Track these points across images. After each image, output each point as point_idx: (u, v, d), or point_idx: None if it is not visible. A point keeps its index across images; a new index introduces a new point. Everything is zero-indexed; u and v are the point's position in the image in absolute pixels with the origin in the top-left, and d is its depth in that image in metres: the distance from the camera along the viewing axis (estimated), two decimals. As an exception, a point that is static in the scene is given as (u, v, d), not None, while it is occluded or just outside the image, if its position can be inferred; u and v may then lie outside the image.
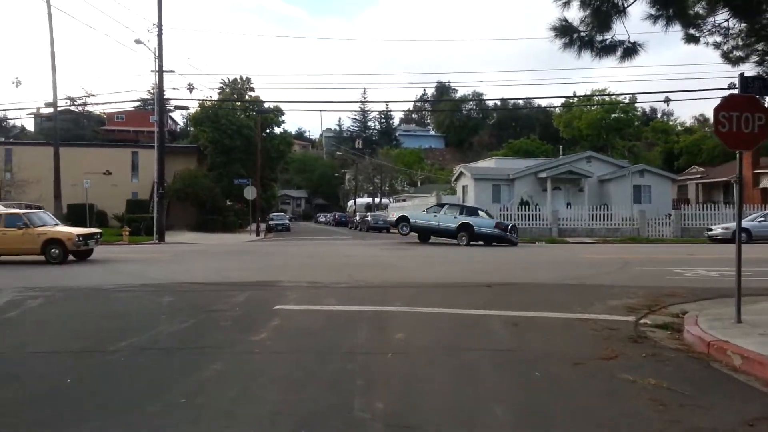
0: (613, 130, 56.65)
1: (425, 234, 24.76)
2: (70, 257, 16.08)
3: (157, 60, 27.55)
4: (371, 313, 7.86)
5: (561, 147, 50.17)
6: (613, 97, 50.81)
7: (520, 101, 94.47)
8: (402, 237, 26.40)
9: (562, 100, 58.48)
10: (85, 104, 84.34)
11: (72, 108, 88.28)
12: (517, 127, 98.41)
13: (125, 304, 9.21)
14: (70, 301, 9.61)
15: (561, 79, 58.54)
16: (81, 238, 16.11)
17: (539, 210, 31.03)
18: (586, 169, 35.44)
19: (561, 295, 9.63)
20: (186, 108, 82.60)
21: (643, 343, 6.30)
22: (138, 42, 26.99)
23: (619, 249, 20.77)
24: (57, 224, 17.36)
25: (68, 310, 8.71)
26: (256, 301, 9.11)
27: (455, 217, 23.37)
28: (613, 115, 55.75)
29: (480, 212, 24.48)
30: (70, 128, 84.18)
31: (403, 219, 24.87)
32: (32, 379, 4.98)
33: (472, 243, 22.69)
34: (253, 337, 6.46)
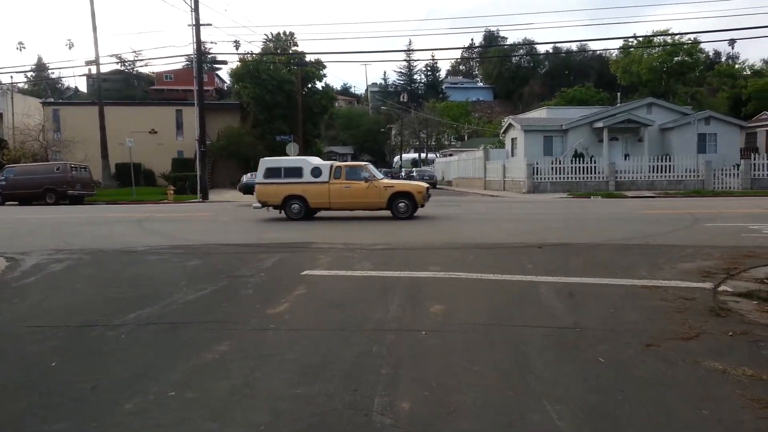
0: (675, 75, 52.90)
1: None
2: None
3: (193, 13, 26.82)
4: (407, 280, 7.04)
5: (618, 94, 47.18)
6: (676, 37, 47.04)
7: (574, 48, 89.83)
8: (447, 193, 25.33)
9: (620, 44, 54.80)
10: (133, 64, 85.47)
11: (121, 68, 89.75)
12: (570, 75, 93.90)
13: (149, 269, 8.72)
14: (95, 265, 9.18)
15: (619, 18, 54.55)
16: (428, 191, 15.24)
17: (595, 162, 29.30)
18: (646, 117, 33.10)
19: (623, 257, 8.57)
20: (224, 63, 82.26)
21: (726, 317, 5.28)
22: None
23: (684, 203, 19.19)
24: (383, 177, 16.46)
25: (89, 275, 8.25)
26: (284, 265, 8.45)
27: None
28: (675, 59, 51.91)
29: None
30: (121, 88, 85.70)
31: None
32: (15, 362, 4.42)
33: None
34: (271, 309, 5.76)
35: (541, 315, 5.43)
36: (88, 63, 30.46)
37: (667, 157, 29.52)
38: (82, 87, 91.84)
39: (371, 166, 15.97)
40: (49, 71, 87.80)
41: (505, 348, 4.48)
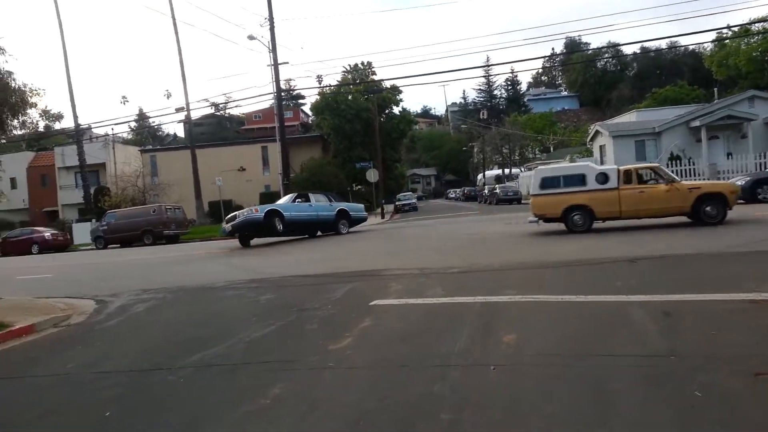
0: (779, 64, 48.59)
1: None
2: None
3: (271, 54, 27.85)
4: (479, 306, 6.56)
5: (715, 90, 43.90)
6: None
7: (663, 46, 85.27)
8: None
9: (713, 35, 51.18)
10: (224, 107, 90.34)
11: (214, 112, 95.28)
12: (661, 75, 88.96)
13: (224, 305, 8.78)
14: (175, 304, 9.39)
15: (710, 8, 50.99)
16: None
17: (693, 164, 27.21)
18: (748, 111, 30.42)
19: (727, 267, 7.63)
20: (302, 97, 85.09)
21: None
22: (251, 38, 27.43)
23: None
24: None
25: (166, 316, 8.40)
26: (354, 295, 8.20)
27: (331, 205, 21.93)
28: (778, 46, 47.71)
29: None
30: (215, 131, 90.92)
31: (273, 214, 19.22)
32: (69, 411, 4.41)
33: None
34: (333, 345, 5.49)
35: (629, 341, 4.80)
36: (178, 110, 32.28)
37: (778, 152, 26.89)
38: (181, 133, 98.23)
39: (663, 168, 14.82)
40: (150, 121, 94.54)
41: (586, 384, 3.93)
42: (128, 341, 6.83)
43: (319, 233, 21.74)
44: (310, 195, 21.49)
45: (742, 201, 18.26)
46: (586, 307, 6.10)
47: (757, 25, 44.74)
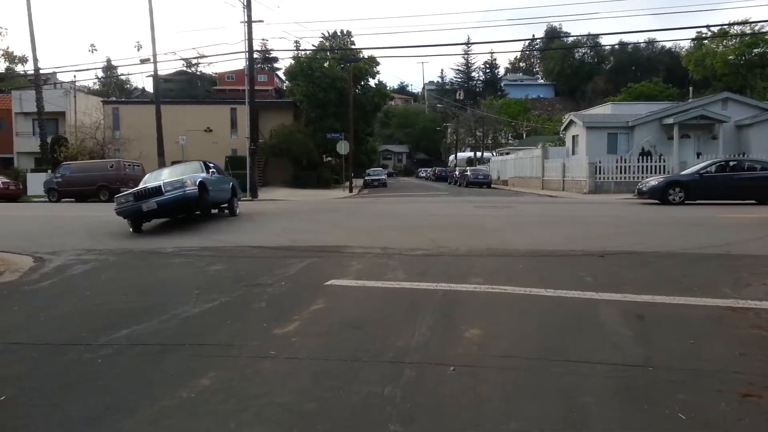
0: (754, 68, 49.15)
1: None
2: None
3: (245, 10, 26.61)
4: (442, 294, 6.09)
5: (690, 89, 44.15)
6: (757, 27, 43.44)
7: (642, 42, 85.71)
8: (501, 193, 24.08)
9: (692, 35, 51.43)
10: (196, 65, 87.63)
11: (186, 69, 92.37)
12: (637, 71, 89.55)
13: (168, 273, 8.13)
14: (116, 268, 8.68)
15: (691, 6, 51.12)
16: None
17: (664, 161, 27.26)
18: (721, 113, 30.61)
19: (701, 269, 7.32)
20: (275, 60, 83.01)
21: (843, 354, 4.09)
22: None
23: (765, 207, 17.23)
24: None
25: (104, 280, 7.73)
26: (310, 272, 7.65)
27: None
28: (755, 50, 48.19)
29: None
30: (185, 89, 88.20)
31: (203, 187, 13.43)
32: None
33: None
34: (279, 329, 4.95)
35: (602, 346, 4.38)
36: (144, 61, 30.77)
37: (744, 155, 27.12)
38: (150, 88, 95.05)
39: None
40: (117, 72, 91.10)
41: (555, 395, 3.48)
42: (54, 307, 6.15)
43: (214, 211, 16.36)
44: (211, 164, 16.22)
45: (655, 202, 18.27)
46: (555, 303, 5.68)
47: (736, 27, 45.07)
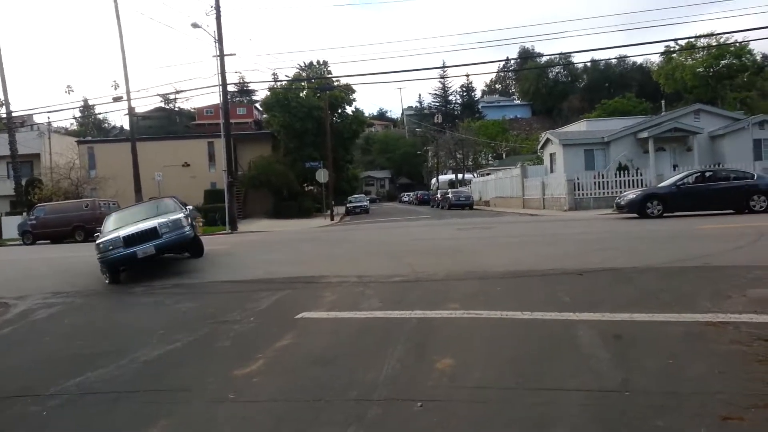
0: (723, 80, 50.19)
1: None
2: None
3: (217, 43, 26.63)
4: (416, 323, 5.87)
5: (663, 103, 44.84)
6: (722, 38, 44.51)
7: (613, 60, 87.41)
8: (482, 214, 24.00)
9: (662, 48, 52.54)
10: (174, 101, 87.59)
11: (164, 106, 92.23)
12: (610, 88, 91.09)
13: (135, 314, 7.86)
14: (82, 310, 8.38)
15: (659, 21, 52.32)
16: None
17: (641, 175, 27.45)
18: (693, 124, 31.03)
19: (680, 283, 7.19)
20: (252, 92, 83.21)
21: (827, 367, 3.93)
22: (195, 26, 26.13)
23: (744, 216, 17.32)
24: None
25: (67, 324, 7.43)
26: (282, 305, 7.41)
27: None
28: (722, 62, 49.26)
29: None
30: (164, 125, 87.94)
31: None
32: None
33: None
34: (241, 369, 4.69)
35: (579, 370, 4.19)
36: (117, 99, 30.57)
37: (720, 165, 27.42)
38: (128, 125, 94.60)
39: None
40: (95, 112, 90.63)
41: (527, 429, 3.27)
42: (9, 355, 5.86)
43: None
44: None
45: (634, 216, 18.24)
46: (532, 327, 5.49)
47: (702, 40, 46.14)
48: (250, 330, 6.13)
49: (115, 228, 11.72)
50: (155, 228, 10.95)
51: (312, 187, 41.75)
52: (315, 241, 18.20)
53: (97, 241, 11.02)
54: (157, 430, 3.55)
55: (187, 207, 13.31)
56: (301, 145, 38.94)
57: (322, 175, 32.06)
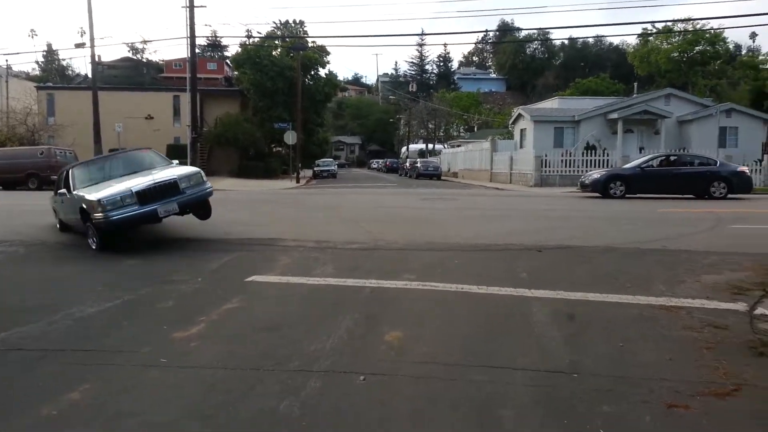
0: (695, 65, 50.74)
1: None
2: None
3: (186, -8, 25.52)
4: (369, 292, 5.70)
5: (635, 85, 45.16)
6: (698, 24, 44.66)
7: (590, 39, 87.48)
8: (450, 185, 23.94)
9: (638, 31, 52.73)
10: (142, 50, 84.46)
11: (132, 56, 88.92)
12: (586, 67, 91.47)
13: (79, 268, 7.51)
14: (23, 261, 7.98)
15: (638, 2, 52.29)
16: None
17: (608, 155, 27.67)
18: (663, 108, 31.33)
19: (636, 265, 7.17)
20: (225, 47, 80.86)
21: (774, 357, 3.90)
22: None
23: (704, 201, 17.61)
24: None
25: (4, 276, 7.05)
26: (233, 267, 7.14)
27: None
28: (697, 48, 49.73)
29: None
30: (131, 75, 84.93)
31: None
32: None
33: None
34: (180, 332, 4.45)
35: (529, 349, 4.08)
36: (79, 45, 29.21)
37: (686, 150, 27.84)
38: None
39: None
40: (58, 57, 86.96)
41: (470, 409, 3.13)
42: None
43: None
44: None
45: (597, 195, 18.48)
46: (486, 301, 5.37)
47: (679, 25, 46.36)
48: (195, 291, 5.87)
49: (94, 183, 9.34)
50: (175, 181, 8.87)
51: (280, 149, 40.99)
52: (277, 203, 17.85)
53: (94, 197, 8.17)
54: (79, 394, 3.30)
55: (173, 162, 11.17)
56: (271, 104, 38.03)
57: (291, 137, 31.44)
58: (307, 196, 21.29)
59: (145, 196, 8.41)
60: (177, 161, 11.10)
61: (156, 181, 8.74)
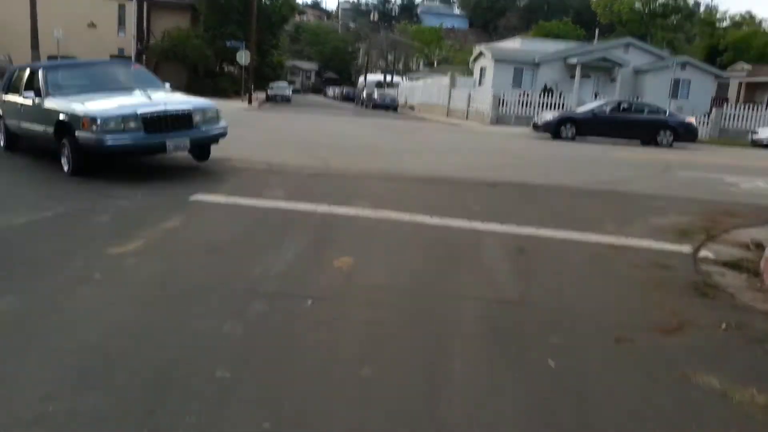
0: (656, 17, 50.90)
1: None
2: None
3: None
4: (319, 217, 5.53)
5: (596, 31, 45.08)
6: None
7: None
8: (407, 118, 23.63)
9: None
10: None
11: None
12: (549, 11, 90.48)
13: (11, 178, 7.00)
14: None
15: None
16: None
17: (563, 99, 27.77)
18: (622, 57, 31.47)
19: (587, 205, 7.25)
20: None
21: (714, 297, 3.99)
22: None
23: (652, 148, 18.00)
24: None
25: None
26: (176, 185, 6.80)
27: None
28: (659, 0, 49.76)
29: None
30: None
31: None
32: None
33: None
34: (116, 248, 4.18)
35: (479, 280, 4.04)
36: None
37: (638, 99, 28.23)
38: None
39: None
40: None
41: (418, 336, 3.06)
42: None
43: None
44: None
45: (548, 136, 18.77)
46: (438, 232, 5.30)
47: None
48: (135, 207, 5.55)
49: (76, 92, 7.49)
50: (190, 113, 7.41)
51: (232, 69, 39.24)
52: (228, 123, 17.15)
53: (86, 112, 6.68)
54: (2, 304, 3.05)
55: (165, 85, 9.08)
56: (224, 21, 35.99)
57: (243, 57, 30.03)
58: (260, 119, 20.55)
59: (152, 122, 6.89)
60: (168, 83, 9.30)
61: (168, 107, 7.21)
